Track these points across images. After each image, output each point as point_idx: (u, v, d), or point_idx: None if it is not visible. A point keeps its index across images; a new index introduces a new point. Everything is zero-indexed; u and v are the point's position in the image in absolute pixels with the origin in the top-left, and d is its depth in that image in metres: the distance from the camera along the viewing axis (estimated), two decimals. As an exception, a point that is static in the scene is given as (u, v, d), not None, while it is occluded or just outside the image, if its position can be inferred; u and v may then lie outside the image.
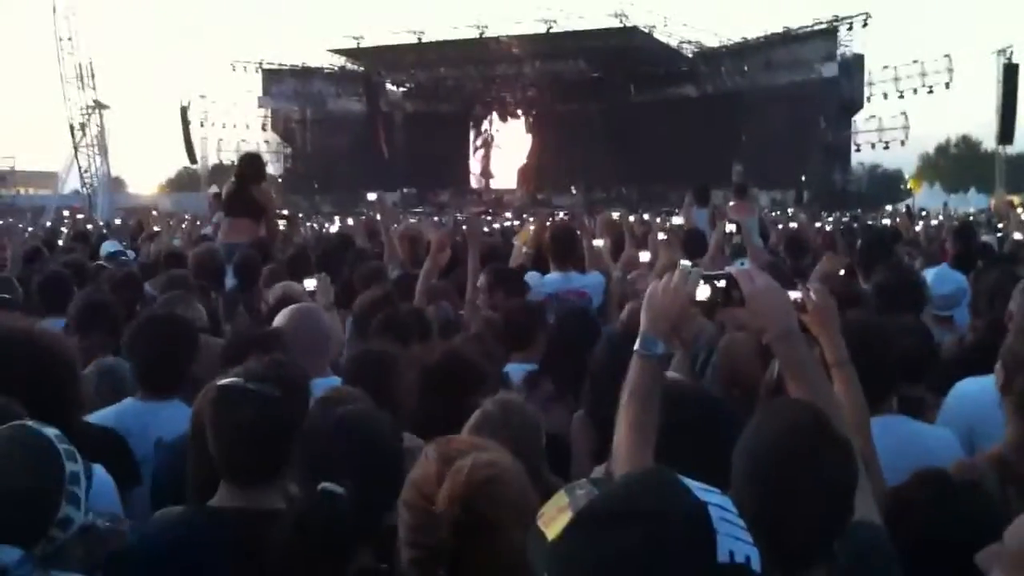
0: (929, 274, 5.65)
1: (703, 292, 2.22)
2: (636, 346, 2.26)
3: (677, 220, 10.47)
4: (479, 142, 58.78)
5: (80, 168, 44.95)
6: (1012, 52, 41.16)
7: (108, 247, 9.59)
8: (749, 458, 1.88)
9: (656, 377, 2.26)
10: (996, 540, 1.92)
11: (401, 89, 59.46)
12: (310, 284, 5.08)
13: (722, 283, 2.21)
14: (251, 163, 9.73)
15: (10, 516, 2.05)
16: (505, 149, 59.57)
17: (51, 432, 2.18)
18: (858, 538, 1.97)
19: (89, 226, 19.13)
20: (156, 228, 13.02)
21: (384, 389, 3.06)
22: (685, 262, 2.36)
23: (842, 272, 5.94)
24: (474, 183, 58.35)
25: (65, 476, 2.11)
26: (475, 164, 58.97)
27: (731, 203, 11.59)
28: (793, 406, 2.01)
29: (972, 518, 2.32)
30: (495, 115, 59.01)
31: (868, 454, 2.65)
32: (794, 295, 2.62)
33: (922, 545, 2.23)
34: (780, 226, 13.70)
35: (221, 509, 2.42)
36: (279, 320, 4.11)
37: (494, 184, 57.79)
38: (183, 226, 13.11)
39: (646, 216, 12.16)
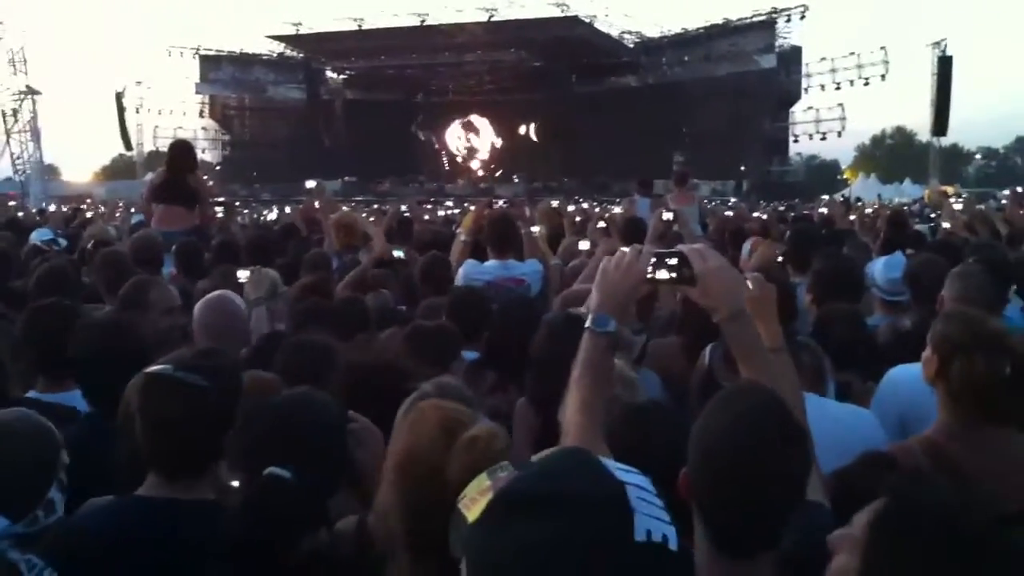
0: (879, 260, 5.71)
1: (655, 270, 2.22)
2: (587, 323, 2.26)
3: (617, 209, 10.50)
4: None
5: (12, 155, 44.18)
6: (946, 45, 42.01)
7: (40, 234, 9.37)
8: (703, 441, 1.86)
9: (608, 355, 2.27)
10: None
11: (341, 77, 58.99)
12: (243, 275, 4.94)
13: (674, 261, 2.20)
14: (182, 151, 9.55)
15: (7, 484, 2.15)
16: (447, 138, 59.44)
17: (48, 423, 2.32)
18: (806, 519, 1.96)
19: (21, 213, 18.69)
20: (89, 215, 12.75)
21: (320, 380, 2.99)
22: (624, 248, 2.34)
23: (779, 259, 6.00)
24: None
25: (59, 462, 2.22)
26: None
27: (671, 192, 11.66)
28: (753, 391, 1.98)
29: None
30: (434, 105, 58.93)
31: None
32: None
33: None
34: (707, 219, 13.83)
35: (150, 499, 2.37)
36: (196, 310, 4.10)
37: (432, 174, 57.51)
38: (117, 214, 12.84)
39: (585, 205, 12.20)
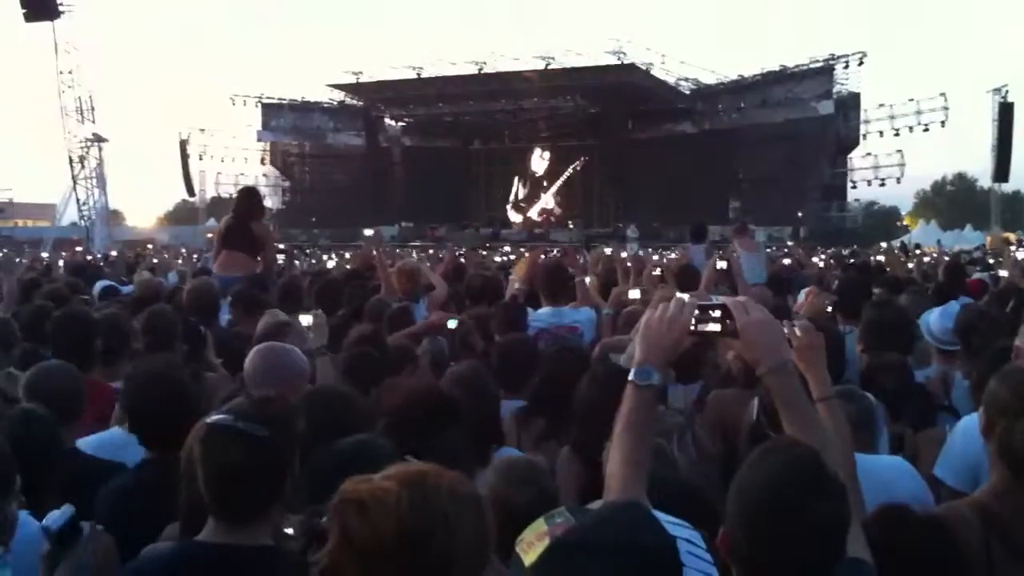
0: (935, 310, 5.66)
1: (698, 322, 2.22)
2: (631, 376, 2.25)
3: (673, 256, 10.51)
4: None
5: (79, 200, 45.06)
6: (1008, 91, 41.54)
7: (101, 284, 9.44)
8: (743, 499, 1.86)
9: (651, 407, 2.25)
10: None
11: (400, 124, 59.70)
12: (306, 320, 4.94)
13: (717, 313, 2.21)
14: (249, 197, 9.66)
15: None
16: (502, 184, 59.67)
17: None
18: (849, 575, 1.97)
19: (88, 257, 19.15)
20: (155, 260, 13.02)
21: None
22: (679, 295, 2.37)
23: (829, 309, 5.99)
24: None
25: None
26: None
27: (732, 242, 11.59)
28: (788, 447, 1.98)
29: (931, 558, 2.35)
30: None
31: (853, 487, 2.66)
32: None
33: None
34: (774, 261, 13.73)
35: (210, 544, 2.43)
36: (248, 359, 4.02)
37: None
38: (179, 260, 13.13)
39: (640, 252, 12.21)
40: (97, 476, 3.27)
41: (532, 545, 1.19)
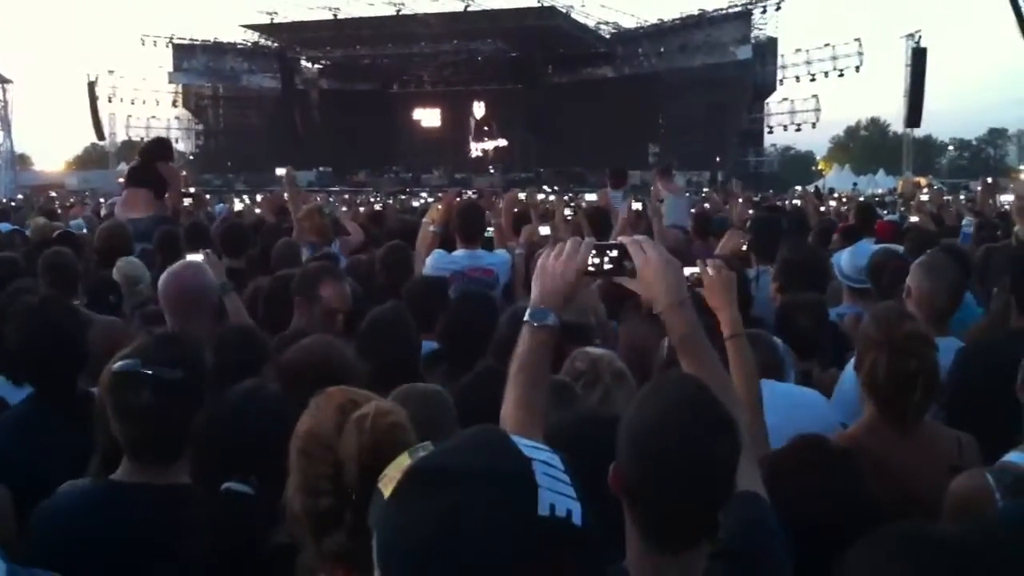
0: (845, 249, 5.74)
1: (594, 262, 2.18)
2: (526, 316, 2.22)
3: (591, 197, 10.47)
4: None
5: (-18, 144, 43.60)
6: (920, 37, 42.31)
7: (4, 227, 9.25)
8: (631, 434, 1.85)
9: (547, 349, 2.22)
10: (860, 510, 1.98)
11: (316, 66, 58.69)
12: (194, 259, 4.83)
13: (614, 253, 2.17)
14: (158, 143, 9.62)
15: None
16: (423, 129, 59.26)
17: None
18: (741, 510, 1.96)
19: (-10, 202, 18.55)
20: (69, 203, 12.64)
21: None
22: (590, 239, 2.31)
23: (744, 248, 6.02)
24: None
25: None
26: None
27: (660, 182, 11.58)
28: (676, 382, 1.97)
29: (839, 488, 2.41)
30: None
31: (757, 423, 2.68)
32: (691, 270, 2.63)
33: (794, 512, 2.23)
34: (694, 209, 13.85)
35: (126, 484, 2.43)
36: (163, 281, 4.11)
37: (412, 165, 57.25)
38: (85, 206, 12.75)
39: (552, 196, 12.16)
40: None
41: (394, 480, 1.16)
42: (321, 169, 52.37)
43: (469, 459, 1.17)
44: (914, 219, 9.37)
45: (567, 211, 7.81)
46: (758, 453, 2.48)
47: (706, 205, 14.25)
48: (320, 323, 4.04)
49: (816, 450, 2.56)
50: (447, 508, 1.10)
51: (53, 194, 16.21)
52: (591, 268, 2.19)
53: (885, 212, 12.80)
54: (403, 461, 1.18)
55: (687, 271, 2.65)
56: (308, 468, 1.86)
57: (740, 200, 11.37)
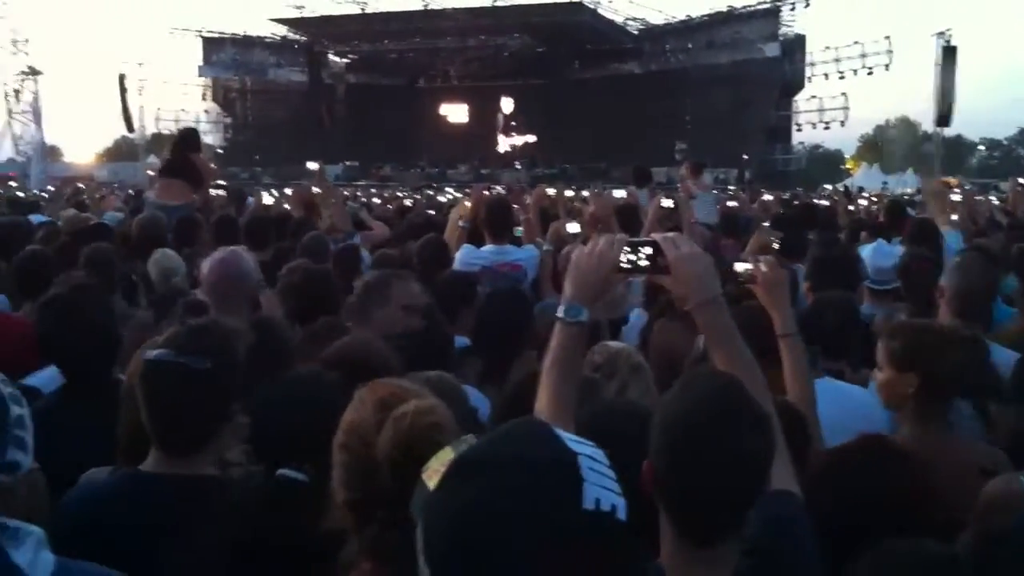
0: (867, 248, 5.71)
1: (627, 258, 2.19)
2: (559, 313, 2.23)
3: (619, 193, 10.45)
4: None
5: (14, 135, 43.99)
6: (951, 35, 41.83)
7: (36, 220, 9.31)
8: (664, 429, 1.86)
9: (579, 345, 2.25)
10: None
11: (344, 60, 58.80)
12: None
13: (647, 249, 2.18)
14: (191, 134, 9.73)
15: None
16: (449, 124, 59.20)
17: None
18: (774, 508, 1.98)
19: (21, 194, 18.67)
20: (87, 198, 12.75)
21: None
22: (622, 235, 2.33)
23: (775, 246, 5.99)
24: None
25: (11, 419, 2.05)
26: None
27: (688, 180, 11.56)
28: (708, 378, 1.99)
29: (903, 485, 2.41)
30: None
31: (810, 421, 2.68)
32: (744, 266, 2.64)
33: (856, 506, 2.26)
34: (718, 206, 13.80)
35: (153, 474, 2.44)
36: (206, 268, 4.20)
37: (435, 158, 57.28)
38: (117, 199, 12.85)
39: (585, 192, 12.11)
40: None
41: (438, 472, 1.18)
42: (347, 163, 52.48)
43: (514, 450, 1.18)
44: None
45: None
46: (811, 449, 2.49)
47: (731, 204, 14.21)
48: (401, 322, 3.91)
49: (880, 450, 2.55)
50: (491, 497, 1.11)
51: (81, 185, 16.24)
52: (624, 265, 2.20)
53: (915, 212, 12.66)
54: (447, 454, 1.20)
55: (740, 267, 2.67)
56: (347, 462, 1.89)
57: (768, 198, 11.30)
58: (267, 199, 10.03)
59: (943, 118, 42.71)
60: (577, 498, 1.12)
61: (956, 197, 11.83)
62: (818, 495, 2.27)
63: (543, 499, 1.11)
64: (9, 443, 2.03)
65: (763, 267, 2.62)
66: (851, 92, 47.39)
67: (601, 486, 1.14)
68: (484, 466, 1.15)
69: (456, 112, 59.31)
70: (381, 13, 50.60)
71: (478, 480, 1.13)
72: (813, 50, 47.30)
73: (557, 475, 1.14)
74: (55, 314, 3.39)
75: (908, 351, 2.99)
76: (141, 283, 5.70)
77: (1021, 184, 13.50)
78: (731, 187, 30.75)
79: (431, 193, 25.49)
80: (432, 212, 11.30)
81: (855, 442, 2.61)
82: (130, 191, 13.73)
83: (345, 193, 14.44)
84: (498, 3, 48.38)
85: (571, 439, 1.20)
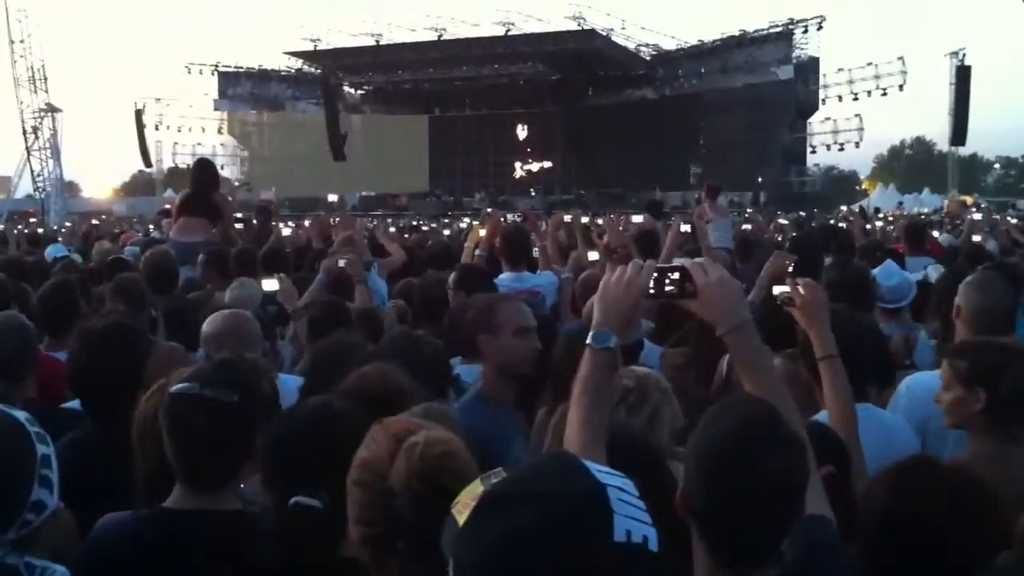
0: (876, 269, 5.71)
1: (656, 284, 2.19)
2: (588, 340, 2.22)
3: (637, 219, 10.46)
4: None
5: (33, 172, 44.34)
6: (964, 55, 41.84)
7: (54, 250, 9.43)
8: (697, 456, 1.86)
9: (608, 371, 2.23)
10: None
11: (359, 92, 59.22)
12: (269, 285, 4.88)
13: (675, 275, 2.17)
14: (205, 167, 9.69)
15: None
16: (465, 152, 59.46)
17: (21, 415, 2.16)
18: (809, 534, 1.97)
19: (41, 230, 18.85)
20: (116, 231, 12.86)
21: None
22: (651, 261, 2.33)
23: (790, 269, 5.98)
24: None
25: (37, 459, 2.08)
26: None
27: (701, 205, 11.61)
28: (743, 404, 1.98)
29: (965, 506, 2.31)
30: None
31: (853, 444, 2.67)
32: (782, 289, 2.64)
33: (917, 523, 2.22)
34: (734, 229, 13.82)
35: (180, 511, 2.40)
36: (208, 324, 4.00)
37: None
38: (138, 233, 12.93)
39: (600, 221, 12.18)
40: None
41: (468, 506, 1.19)
42: (364, 194, 52.77)
43: (544, 484, 1.18)
44: (976, 239, 9.13)
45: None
46: (854, 470, 2.47)
47: (746, 227, 14.23)
48: (517, 349, 3.73)
49: (934, 472, 2.50)
50: (522, 531, 1.11)
51: (95, 222, 16.28)
52: (653, 291, 2.20)
53: (935, 233, 12.63)
54: (476, 488, 1.21)
55: (777, 290, 2.66)
56: (362, 498, 1.89)
57: (784, 222, 11.30)
58: (285, 231, 10.10)
59: (958, 137, 42.63)
60: (608, 530, 1.12)
61: (976, 216, 11.81)
62: (869, 519, 2.27)
63: (574, 532, 1.12)
64: (35, 482, 2.05)
65: (801, 289, 2.61)
66: (865, 113, 47.42)
67: (631, 517, 1.15)
68: (515, 500, 1.16)
69: (471, 141, 59.57)
70: (395, 44, 51.05)
71: (509, 514, 1.14)
72: (827, 72, 47.56)
73: (587, 508, 1.14)
74: (88, 348, 3.36)
75: (975, 369, 2.99)
76: (161, 317, 5.71)
77: None
78: (749, 210, 30.75)
79: (446, 221, 25.56)
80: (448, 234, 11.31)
81: (905, 463, 2.56)
82: (151, 227, 13.84)
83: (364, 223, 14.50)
84: (511, 32, 48.71)
85: (600, 470, 1.21)
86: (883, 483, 2.39)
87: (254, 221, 10.69)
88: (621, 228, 8.74)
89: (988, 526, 2.22)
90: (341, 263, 5.80)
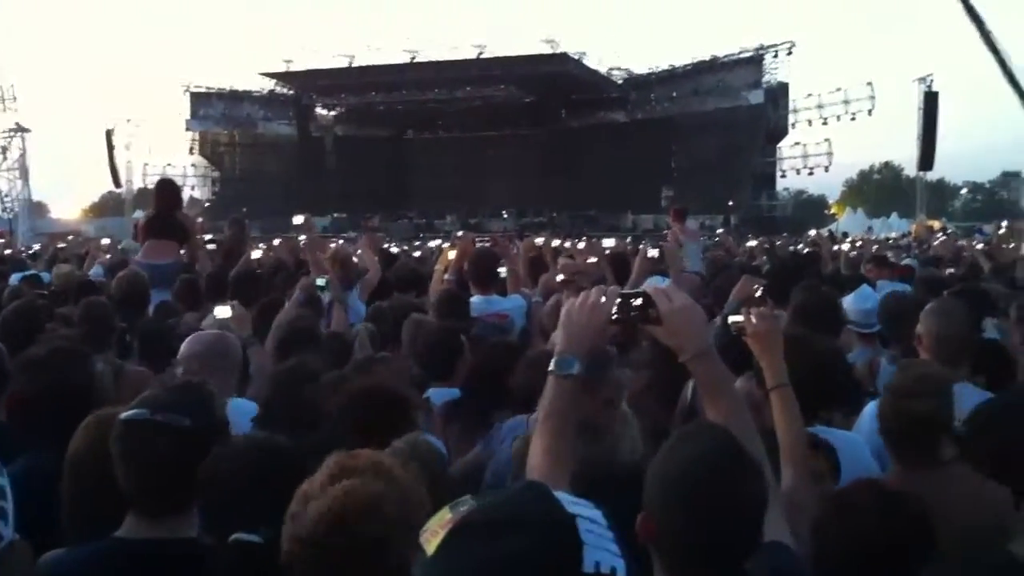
0: (849, 296, 5.74)
1: (620, 310, 2.20)
2: (551, 367, 2.23)
3: (608, 242, 10.46)
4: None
5: (1, 192, 43.97)
6: (932, 80, 42.42)
7: (17, 276, 9.15)
8: (660, 483, 1.86)
9: (573, 398, 2.23)
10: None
11: (332, 113, 59.16)
12: (222, 312, 4.78)
13: (639, 301, 2.19)
14: (168, 189, 9.59)
15: None
16: (437, 174, 59.47)
17: None
18: (769, 560, 1.98)
19: (8, 251, 18.60)
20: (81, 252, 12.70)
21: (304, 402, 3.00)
22: (614, 287, 2.34)
23: (758, 294, 6.01)
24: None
25: None
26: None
27: (675, 226, 11.59)
28: (704, 431, 2.00)
29: (909, 524, 2.41)
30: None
31: (801, 471, 2.68)
32: (735, 318, 2.64)
33: (861, 547, 2.29)
34: (706, 252, 13.85)
35: (137, 540, 2.35)
36: (186, 344, 3.96)
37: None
38: (107, 255, 12.73)
39: (581, 245, 12.16)
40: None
41: (436, 534, 1.16)
42: (336, 215, 52.59)
43: (513, 513, 1.17)
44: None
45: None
46: (803, 499, 2.49)
47: (719, 252, 14.29)
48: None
49: (875, 492, 2.55)
50: (493, 562, 1.11)
51: (62, 244, 15.99)
52: (616, 316, 2.20)
53: (904, 256, 12.74)
54: (444, 515, 1.19)
55: (732, 319, 2.67)
56: (289, 529, 1.87)
57: (752, 244, 11.36)
58: (256, 253, 10.02)
59: (926, 162, 43.13)
60: (577, 562, 1.12)
61: (938, 240, 11.93)
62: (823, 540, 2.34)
63: (543, 563, 1.11)
64: None
65: (753, 318, 2.63)
66: (834, 138, 47.99)
67: (601, 548, 1.14)
68: (483, 529, 1.15)
69: (443, 163, 59.61)
70: (368, 66, 51.04)
71: (477, 544, 1.13)
72: (796, 97, 48.15)
73: (557, 539, 1.14)
74: (29, 375, 3.29)
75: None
76: (135, 339, 5.64)
77: (1003, 225, 13.67)
78: (719, 231, 30.92)
79: (417, 243, 25.52)
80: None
81: (853, 487, 2.62)
82: (119, 247, 13.67)
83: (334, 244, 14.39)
84: (484, 55, 48.89)
85: (570, 501, 1.20)
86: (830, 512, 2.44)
87: (226, 230, 10.63)
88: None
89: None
90: (320, 282, 5.78)
